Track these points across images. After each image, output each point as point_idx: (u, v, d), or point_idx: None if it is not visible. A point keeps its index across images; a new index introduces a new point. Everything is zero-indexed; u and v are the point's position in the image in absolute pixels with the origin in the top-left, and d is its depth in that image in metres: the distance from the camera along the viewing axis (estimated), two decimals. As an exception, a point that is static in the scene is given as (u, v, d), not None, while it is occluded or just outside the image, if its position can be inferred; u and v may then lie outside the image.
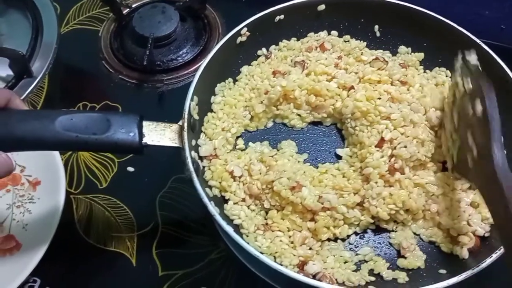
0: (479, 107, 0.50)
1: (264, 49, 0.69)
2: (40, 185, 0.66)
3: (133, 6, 0.85)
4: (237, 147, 0.63)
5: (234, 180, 0.57)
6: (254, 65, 0.68)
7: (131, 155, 0.68)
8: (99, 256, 0.63)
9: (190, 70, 0.79)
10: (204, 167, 0.58)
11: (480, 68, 0.54)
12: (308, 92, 0.63)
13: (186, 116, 0.56)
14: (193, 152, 0.55)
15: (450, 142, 0.57)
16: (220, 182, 0.57)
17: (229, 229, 0.51)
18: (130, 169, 0.70)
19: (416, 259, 0.55)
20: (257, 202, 0.57)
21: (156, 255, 0.63)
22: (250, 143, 0.63)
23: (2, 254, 0.60)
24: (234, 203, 0.56)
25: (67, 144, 0.49)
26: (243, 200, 0.57)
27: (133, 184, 0.69)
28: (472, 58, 0.55)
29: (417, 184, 0.56)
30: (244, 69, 0.68)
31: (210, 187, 0.57)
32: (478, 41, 0.63)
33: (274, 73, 0.65)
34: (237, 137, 0.63)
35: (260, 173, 0.57)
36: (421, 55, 0.68)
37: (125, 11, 0.84)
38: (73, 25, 0.86)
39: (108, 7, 0.84)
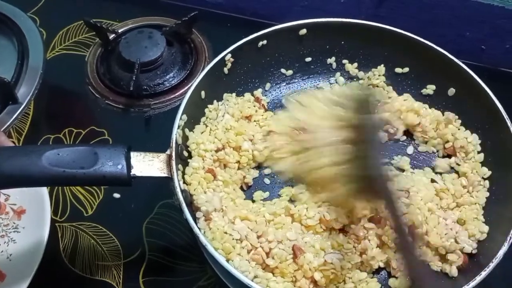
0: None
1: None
2: (25, 214, 0.65)
3: (120, 31, 0.85)
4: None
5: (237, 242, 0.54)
6: (197, 131, 0.63)
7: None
8: (85, 285, 0.62)
9: (177, 94, 0.79)
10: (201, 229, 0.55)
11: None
12: None
13: (173, 146, 0.56)
14: (181, 183, 0.54)
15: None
16: (222, 244, 0.54)
17: (221, 259, 0.51)
18: (116, 195, 0.69)
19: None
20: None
21: (143, 283, 0.62)
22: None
23: (-16, 286, 0.59)
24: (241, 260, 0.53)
25: (55, 180, 0.49)
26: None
27: (119, 210, 0.68)
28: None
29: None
30: (191, 135, 0.62)
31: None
32: (458, 61, 0.64)
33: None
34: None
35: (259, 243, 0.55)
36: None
37: (111, 37, 0.84)
38: (59, 50, 0.85)
39: (94, 33, 0.84)
